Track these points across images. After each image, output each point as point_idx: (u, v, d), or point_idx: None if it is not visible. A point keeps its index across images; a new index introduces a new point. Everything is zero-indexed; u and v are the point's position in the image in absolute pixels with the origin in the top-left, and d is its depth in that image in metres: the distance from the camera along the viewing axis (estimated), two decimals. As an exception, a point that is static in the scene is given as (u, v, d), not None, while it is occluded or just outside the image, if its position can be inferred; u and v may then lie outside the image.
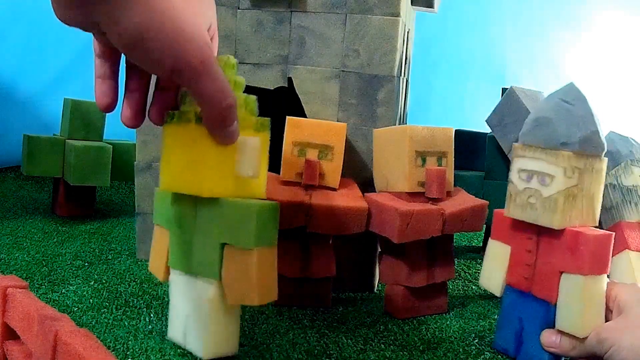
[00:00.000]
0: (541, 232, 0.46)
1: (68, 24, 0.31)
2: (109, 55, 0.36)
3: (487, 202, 0.57)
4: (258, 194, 0.41)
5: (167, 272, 0.43)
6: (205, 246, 0.40)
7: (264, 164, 0.41)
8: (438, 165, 0.56)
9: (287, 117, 0.57)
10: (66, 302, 0.54)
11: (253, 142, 0.40)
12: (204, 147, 0.37)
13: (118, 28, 0.30)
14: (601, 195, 0.47)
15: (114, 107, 0.37)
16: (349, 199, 0.55)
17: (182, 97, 0.39)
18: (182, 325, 0.42)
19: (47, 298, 0.55)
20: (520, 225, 0.48)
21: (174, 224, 0.42)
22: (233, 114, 0.36)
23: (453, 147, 0.58)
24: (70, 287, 0.58)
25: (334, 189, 0.57)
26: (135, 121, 0.38)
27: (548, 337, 0.46)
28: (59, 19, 0.31)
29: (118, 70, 0.37)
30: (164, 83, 0.39)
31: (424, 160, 0.56)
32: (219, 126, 0.36)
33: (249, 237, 0.38)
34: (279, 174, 0.57)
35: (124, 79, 0.38)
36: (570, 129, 0.44)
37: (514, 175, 0.47)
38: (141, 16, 0.29)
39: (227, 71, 0.38)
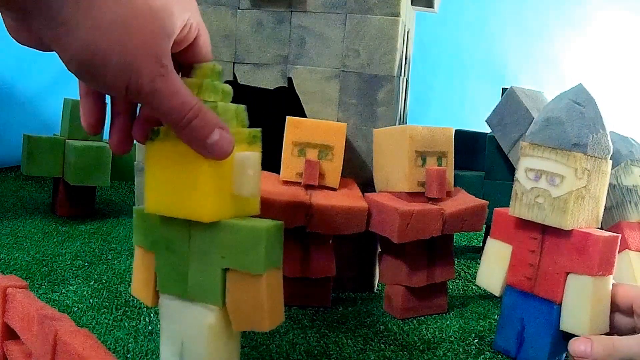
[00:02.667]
0: (546, 232, 0.46)
1: (25, 46, 0.31)
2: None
3: (487, 202, 0.57)
4: (253, 211, 0.38)
5: (156, 297, 0.40)
6: (203, 271, 0.37)
7: (259, 179, 0.39)
8: (438, 165, 0.56)
9: (287, 117, 0.57)
10: (66, 302, 0.54)
11: (251, 159, 0.36)
12: (199, 168, 0.34)
13: (66, 54, 0.29)
14: (605, 197, 0.47)
15: (101, 127, 0.35)
16: (349, 199, 0.55)
17: None
18: (178, 350, 0.39)
19: (47, 298, 0.55)
20: (523, 225, 0.48)
21: (163, 247, 0.38)
22: (202, 124, 0.33)
23: (453, 147, 0.58)
24: (70, 287, 0.58)
25: (334, 189, 0.57)
26: (124, 146, 0.36)
27: (577, 347, 0.42)
28: (16, 41, 0.30)
29: (102, 96, 0.35)
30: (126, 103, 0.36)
31: (424, 160, 0.56)
32: (194, 141, 0.33)
33: (258, 262, 0.35)
34: (279, 174, 0.57)
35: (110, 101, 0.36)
36: (582, 131, 0.44)
37: (520, 174, 0.47)
38: (87, 40, 0.28)
39: (212, 79, 0.37)
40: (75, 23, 0.28)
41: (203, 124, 0.33)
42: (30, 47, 0.31)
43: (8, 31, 0.30)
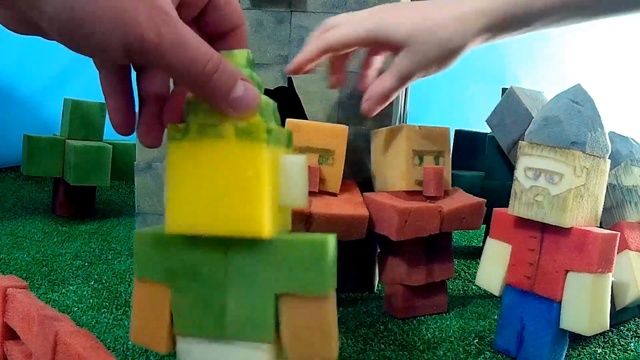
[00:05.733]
0: (545, 230, 0.47)
1: (11, 30, 0.27)
2: (110, 64, 0.30)
3: (485, 200, 0.57)
4: (288, 225, 0.33)
5: (172, 341, 0.33)
6: (249, 301, 0.31)
7: (307, 187, 0.33)
8: (435, 165, 0.56)
9: (287, 119, 0.56)
10: (66, 302, 0.54)
11: (300, 164, 0.31)
12: (253, 173, 0.28)
13: (44, 18, 0.25)
14: (603, 196, 0.47)
15: (133, 126, 0.31)
16: (349, 206, 0.54)
17: (190, 105, 0.30)
18: None
19: (47, 298, 0.55)
20: (523, 224, 0.48)
21: (185, 278, 0.31)
22: (225, 77, 0.28)
23: (450, 146, 0.58)
24: (70, 287, 0.58)
25: (334, 194, 0.56)
26: (154, 138, 0.31)
27: None
28: (3, 25, 0.27)
29: (127, 81, 0.31)
30: (148, 86, 0.31)
31: (421, 159, 0.56)
32: (216, 98, 0.28)
33: (325, 281, 0.29)
34: None
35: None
36: (581, 129, 0.44)
37: (519, 173, 0.47)
38: None
39: (247, 67, 0.31)
40: None
41: (225, 76, 0.28)
42: (16, 30, 0.27)
43: None
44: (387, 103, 0.51)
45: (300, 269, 0.30)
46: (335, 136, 0.55)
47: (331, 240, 0.30)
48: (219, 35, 0.32)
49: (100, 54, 0.26)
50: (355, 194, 0.57)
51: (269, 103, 0.31)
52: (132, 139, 0.35)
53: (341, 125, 0.56)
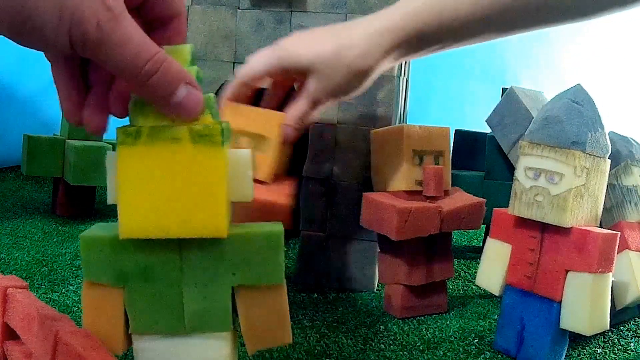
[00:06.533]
0: (545, 230, 0.47)
1: None
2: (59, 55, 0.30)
3: (485, 200, 0.57)
4: (232, 213, 0.33)
5: (127, 341, 0.33)
6: (207, 296, 0.32)
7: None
8: (435, 164, 0.57)
9: (227, 102, 0.51)
10: (66, 302, 0.54)
11: (249, 157, 0.31)
12: (212, 176, 0.29)
13: None
14: (603, 196, 0.47)
15: (82, 112, 0.30)
16: (273, 194, 0.49)
17: (137, 105, 0.30)
18: None
19: (47, 298, 0.55)
20: (523, 224, 0.48)
21: (139, 279, 0.31)
22: (165, 79, 0.27)
23: (450, 146, 0.58)
24: (70, 287, 0.58)
25: (264, 183, 0.50)
26: (99, 122, 0.30)
27: None
28: None
29: (78, 70, 0.30)
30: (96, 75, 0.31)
31: (421, 159, 0.56)
32: (156, 100, 0.28)
33: (278, 271, 0.31)
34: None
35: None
36: (581, 129, 0.45)
37: (519, 173, 0.47)
38: None
39: (190, 64, 0.30)
40: None
41: (166, 78, 0.27)
42: None
43: None
44: (305, 127, 0.50)
45: (256, 261, 0.31)
46: (272, 123, 0.50)
47: (282, 231, 0.31)
48: (159, 23, 0.31)
49: (48, 48, 0.27)
50: (287, 187, 0.51)
51: (213, 99, 0.31)
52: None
53: (279, 112, 0.51)
